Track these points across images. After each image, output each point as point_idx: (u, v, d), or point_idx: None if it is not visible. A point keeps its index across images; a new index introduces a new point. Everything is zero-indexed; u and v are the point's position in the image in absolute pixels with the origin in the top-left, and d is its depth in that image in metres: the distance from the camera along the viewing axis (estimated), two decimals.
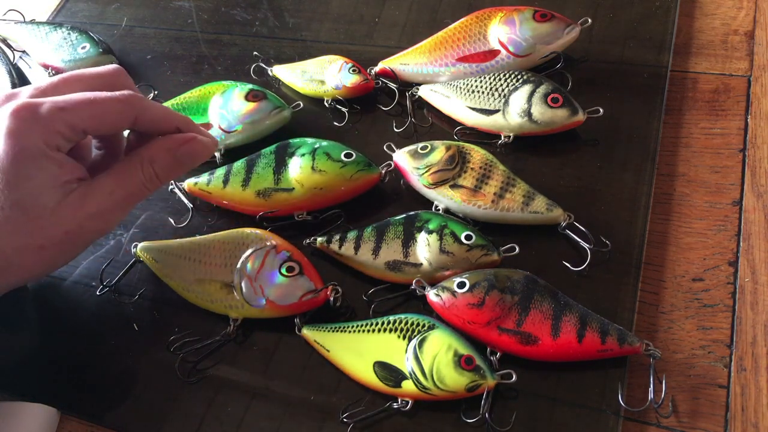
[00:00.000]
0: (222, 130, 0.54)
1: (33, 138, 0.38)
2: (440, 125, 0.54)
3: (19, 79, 0.61)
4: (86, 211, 0.40)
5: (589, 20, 0.53)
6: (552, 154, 0.51)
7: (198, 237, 0.50)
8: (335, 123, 0.56)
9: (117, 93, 0.41)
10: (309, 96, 0.58)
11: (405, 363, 0.41)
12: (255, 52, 0.62)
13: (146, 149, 0.43)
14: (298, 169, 0.49)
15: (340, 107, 0.56)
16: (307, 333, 0.45)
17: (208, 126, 0.54)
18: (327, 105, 0.57)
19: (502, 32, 0.53)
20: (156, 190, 0.43)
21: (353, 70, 0.55)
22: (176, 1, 0.69)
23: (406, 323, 0.43)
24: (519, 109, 0.49)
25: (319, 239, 0.48)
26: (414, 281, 0.44)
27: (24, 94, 0.40)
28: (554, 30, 0.52)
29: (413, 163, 0.49)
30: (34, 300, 0.51)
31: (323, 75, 0.57)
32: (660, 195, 0.49)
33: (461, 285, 0.42)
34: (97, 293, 0.50)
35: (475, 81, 0.52)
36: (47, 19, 0.71)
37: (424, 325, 0.42)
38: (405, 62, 0.56)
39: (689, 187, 0.49)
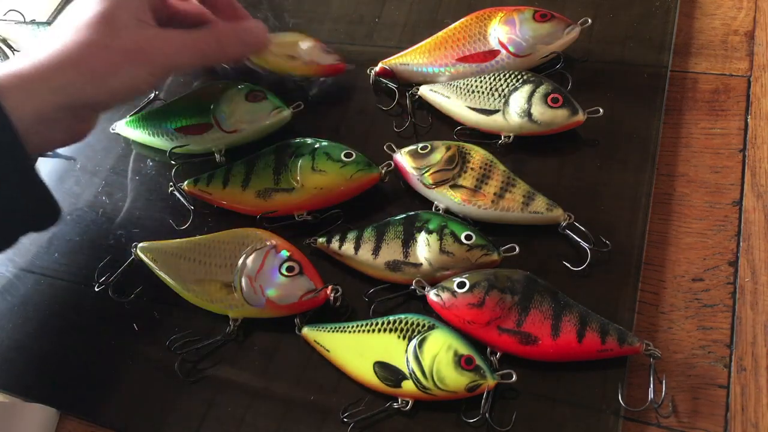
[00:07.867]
0: (222, 130, 0.54)
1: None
2: (440, 125, 0.54)
3: None
4: (154, 42, 0.46)
5: (589, 20, 0.53)
6: (552, 154, 0.51)
7: (198, 237, 0.50)
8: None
9: None
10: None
11: (405, 363, 0.41)
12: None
13: (216, 27, 0.50)
14: (298, 168, 0.49)
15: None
16: (307, 333, 0.45)
17: (207, 126, 0.54)
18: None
19: (502, 32, 0.53)
20: (216, 63, 0.56)
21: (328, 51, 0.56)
22: None
23: (406, 323, 0.43)
24: (519, 109, 0.49)
25: (319, 239, 0.48)
26: (414, 281, 0.44)
27: None
28: (554, 30, 0.52)
29: (413, 164, 0.49)
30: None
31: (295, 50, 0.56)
32: (660, 195, 0.49)
33: (461, 285, 0.42)
34: (95, 289, 0.50)
35: (475, 81, 0.52)
36: (47, 19, 0.71)
37: (424, 325, 0.42)
38: (405, 62, 0.56)
39: (689, 187, 0.49)
